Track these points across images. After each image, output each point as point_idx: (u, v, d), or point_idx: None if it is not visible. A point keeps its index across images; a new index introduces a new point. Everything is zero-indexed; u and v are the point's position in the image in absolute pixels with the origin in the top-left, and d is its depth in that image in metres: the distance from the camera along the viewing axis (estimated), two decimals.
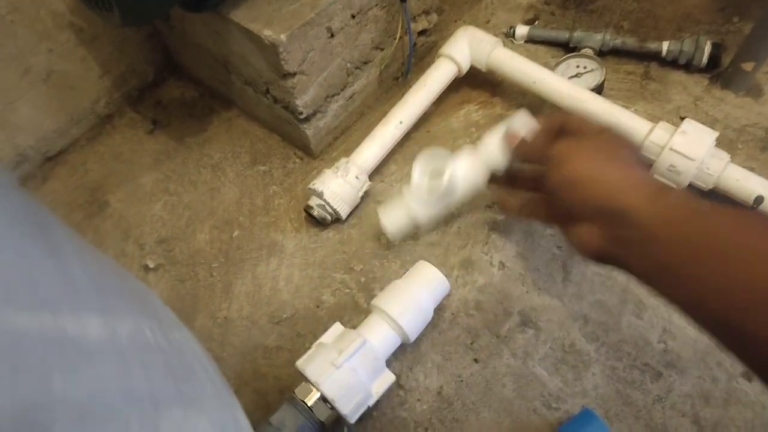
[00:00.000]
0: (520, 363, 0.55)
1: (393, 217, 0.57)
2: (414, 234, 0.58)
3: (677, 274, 0.34)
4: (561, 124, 0.47)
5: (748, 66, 0.65)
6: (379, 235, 0.64)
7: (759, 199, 0.56)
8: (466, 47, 0.68)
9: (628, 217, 0.37)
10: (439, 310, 0.58)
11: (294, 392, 0.50)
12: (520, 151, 0.50)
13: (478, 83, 0.74)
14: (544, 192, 0.47)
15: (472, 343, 0.57)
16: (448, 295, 0.59)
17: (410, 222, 0.56)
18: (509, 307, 0.58)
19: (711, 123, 0.66)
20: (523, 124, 0.51)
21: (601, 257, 0.41)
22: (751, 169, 0.58)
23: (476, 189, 0.54)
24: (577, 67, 0.71)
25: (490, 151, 0.52)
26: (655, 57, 0.72)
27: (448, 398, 0.54)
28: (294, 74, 0.60)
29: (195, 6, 0.58)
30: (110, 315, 0.26)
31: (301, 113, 0.64)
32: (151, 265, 0.65)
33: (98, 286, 0.27)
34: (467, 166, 0.53)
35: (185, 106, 0.79)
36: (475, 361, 0.56)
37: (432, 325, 0.57)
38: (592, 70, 0.70)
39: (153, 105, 0.80)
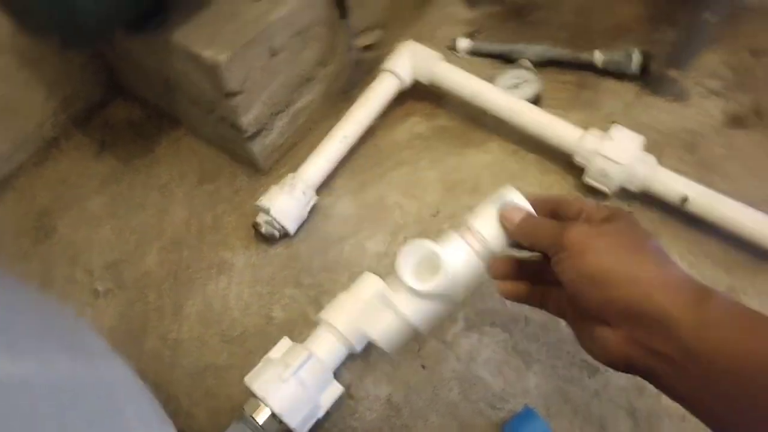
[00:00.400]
0: (465, 367, 0.56)
1: (385, 332, 0.44)
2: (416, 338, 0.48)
3: (722, 404, 0.30)
4: (555, 206, 0.43)
5: (674, 72, 0.69)
6: (328, 249, 0.65)
7: (684, 200, 0.59)
8: (409, 62, 0.70)
9: (666, 326, 0.31)
10: None
11: (243, 408, 0.50)
12: (524, 234, 0.42)
13: (421, 95, 0.76)
14: (554, 283, 0.40)
15: (419, 350, 0.58)
16: None
17: (408, 330, 0.44)
18: (454, 312, 0.59)
19: (641, 128, 0.69)
20: (514, 202, 0.44)
21: (627, 367, 0.36)
22: (679, 171, 0.62)
23: (480, 280, 0.45)
24: (516, 78, 0.73)
25: (486, 234, 0.43)
26: (589, 67, 0.75)
27: (396, 405, 0.55)
28: (236, 93, 0.60)
29: (135, 29, 0.58)
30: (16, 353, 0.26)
31: (246, 131, 0.65)
32: (101, 290, 0.65)
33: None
34: (463, 256, 0.43)
35: (133, 126, 0.79)
36: (423, 367, 0.57)
37: None
38: (529, 81, 0.73)
39: (100, 126, 0.79)
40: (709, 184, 0.60)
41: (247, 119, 0.64)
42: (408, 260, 0.44)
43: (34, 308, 0.33)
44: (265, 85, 0.64)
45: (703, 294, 0.32)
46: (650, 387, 0.53)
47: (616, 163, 0.59)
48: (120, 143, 0.77)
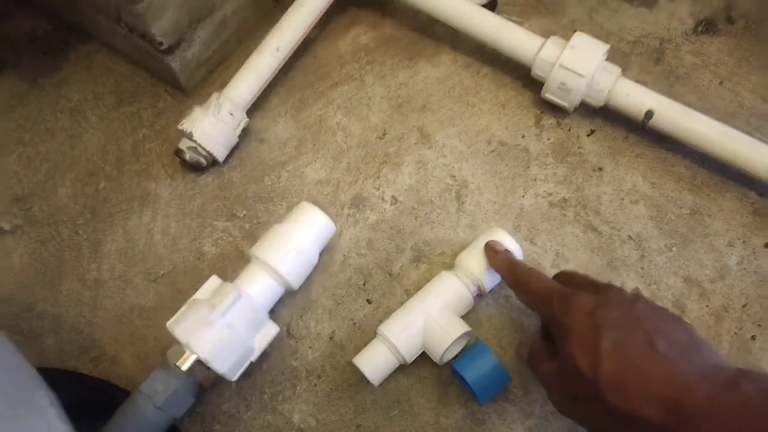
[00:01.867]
0: None
1: (377, 368, 0.47)
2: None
3: None
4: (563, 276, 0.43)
5: None
6: (263, 177, 0.59)
7: (649, 114, 0.54)
8: None
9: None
10: (328, 252, 0.54)
11: (166, 355, 0.45)
12: (517, 286, 0.44)
13: (365, 2, 0.67)
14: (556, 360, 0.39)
15: (364, 284, 0.54)
16: (338, 236, 0.55)
17: (397, 363, 0.47)
18: (402, 243, 0.55)
19: (606, 36, 0.63)
20: (502, 242, 0.48)
21: None
22: (644, 83, 0.57)
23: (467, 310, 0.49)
24: None
25: (472, 271, 0.48)
26: None
27: (340, 343, 0.51)
28: None
29: None
30: None
31: (161, 43, 0.56)
32: (7, 228, 0.58)
33: None
34: (453, 296, 0.48)
35: (37, 41, 0.69)
36: (368, 302, 0.53)
37: (321, 269, 0.54)
38: None
39: None
40: (677, 97, 0.55)
41: (160, 28, 0.55)
42: None
43: None
44: None
45: (733, 384, 0.31)
46: None
47: (577, 74, 0.53)
48: (23, 61, 0.68)
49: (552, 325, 0.40)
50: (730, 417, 0.29)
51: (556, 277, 0.45)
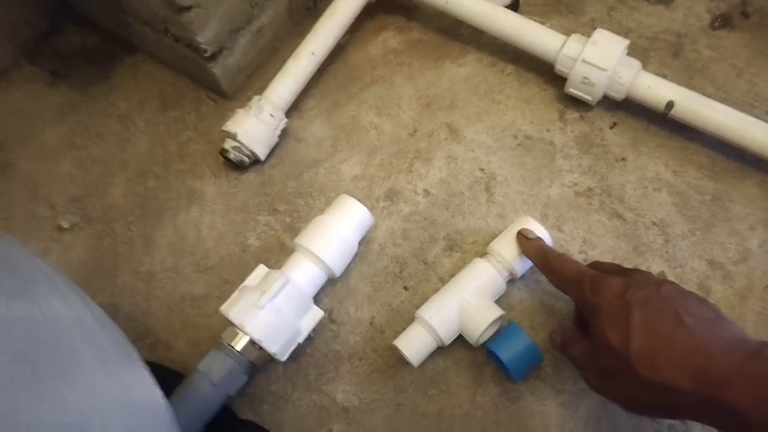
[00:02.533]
0: None
1: (417, 349, 0.50)
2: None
3: None
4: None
5: None
6: (302, 174, 0.62)
7: (670, 104, 0.56)
8: None
9: (731, 411, 0.32)
10: (366, 242, 0.57)
11: (221, 337, 0.49)
12: (548, 271, 0.47)
13: (393, 8, 0.71)
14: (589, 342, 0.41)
15: (400, 272, 0.57)
16: (375, 227, 0.58)
17: (435, 345, 0.50)
18: (435, 233, 0.58)
19: (625, 32, 0.66)
20: (533, 229, 0.51)
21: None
22: (664, 76, 0.59)
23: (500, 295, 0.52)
24: None
25: (504, 257, 0.51)
26: None
27: (380, 327, 0.55)
28: (189, 8, 0.56)
29: None
30: None
31: (206, 51, 0.60)
32: (66, 226, 0.62)
33: None
34: (487, 281, 0.51)
35: (86, 53, 0.74)
36: (405, 288, 0.56)
37: (360, 258, 0.57)
38: None
39: (51, 55, 0.74)
40: (696, 89, 0.57)
41: (205, 37, 0.59)
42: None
43: None
44: None
45: (757, 355, 0.33)
46: None
47: (599, 68, 0.56)
48: (74, 72, 0.72)
49: (583, 306, 0.42)
50: (752, 382, 0.31)
51: (588, 266, 0.47)
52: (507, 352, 0.48)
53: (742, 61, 0.63)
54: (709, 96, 0.57)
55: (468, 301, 0.49)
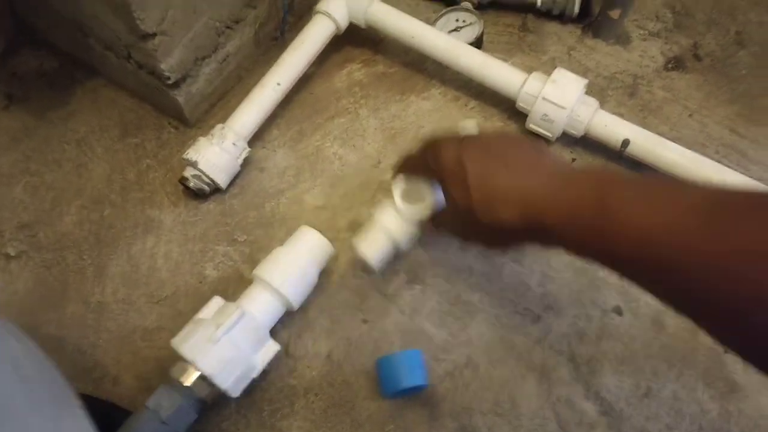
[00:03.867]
0: (407, 320, 0.55)
1: (375, 248, 0.52)
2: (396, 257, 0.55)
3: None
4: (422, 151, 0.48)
5: (614, 14, 0.67)
6: (263, 203, 0.62)
7: (626, 143, 0.58)
8: (343, 2, 0.66)
9: (551, 232, 0.38)
10: (326, 273, 0.57)
11: (170, 372, 0.47)
12: (404, 166, 0.50)
13: (359, 41, 0.72)
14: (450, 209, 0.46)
15: (360, 304, 0.56)
16: (335, 258, 0.57)
17: (393, 248, 0.53)
18: (396, 265, 0.57)
19: (583, 72, 0.68)
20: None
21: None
22: (620, 115, 0.60)
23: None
24: (456, 20, 0.70)
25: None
26: (531, 9, 0.72)
27: (337, 362, 0.53)
28: (154, 35, 0.55)
29: None
30: None
31: (169, 78, 0.60)
32: (12, 253, 0.60)
33: None
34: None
35: (44, 77, 0.72)
36: (364, 321, 0.55)
37: (319, 290, 0.56)
38: (471, 24, 0.70)
39: (7, 78, 0.72)
40: (650, 128, 0.59)
41: (168, 65, 0.59)
42: (402, 188, 0.52)
43: None
44: (187, 26, 0.58)
45: (569, 180, 0.38)
46: (590, 332, 0.53)
47: (559, 106, 0.57)
48: (31, 96, 0.71)
49: (435, 177, 0.46)
50: (562, 206, 0.37)
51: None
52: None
53: (695, 102, 0.66)
54: (663, 135, 0.59)
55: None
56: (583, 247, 0.37)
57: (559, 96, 0.57)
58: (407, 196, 0.52)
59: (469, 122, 0.57)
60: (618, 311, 0.54)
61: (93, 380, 0.54)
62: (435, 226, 0.51)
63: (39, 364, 0.37)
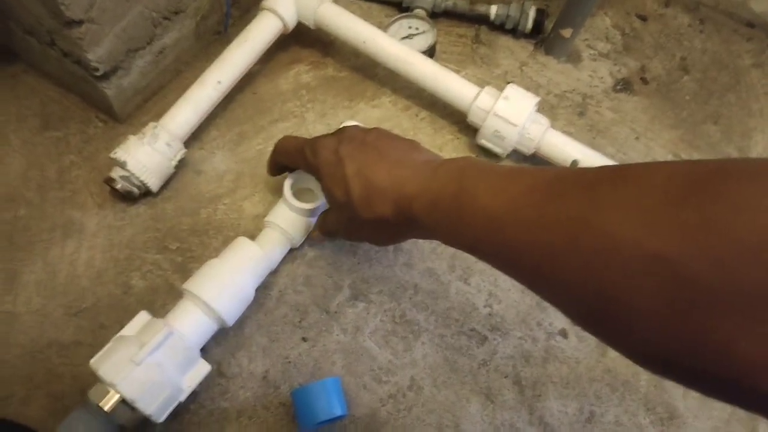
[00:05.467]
0: (350, 338, 0.52)
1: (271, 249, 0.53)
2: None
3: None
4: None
5: (566, 32, 0.67)
6: (199, 209, 0.58)
7: (575, 163, 0.57)
8: (292, 0, 0.62)
9: (421, 223, 0.38)
10: (264, 288, 0.53)
11: (87, 395, 0.43)
12: (280, 152, 0.50)
13: (308, 41, 0.69)
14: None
15: (300, 321, 0.53)
16: (275, 272, 0.54)
17: (287, 242, 0.54)
18: (340, 280, 0.55)
19: (535, 88, 0.67)
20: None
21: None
22: (569, 134, 0.60)
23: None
24: (410, 28, 0.68)
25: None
26: (485, 21, 0.71)
27: (274, 382, 0.50)
28: (80, 22, 0.50)
29: None
30: None
31: (97, 69, 0.55)
32: None
33: None
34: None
35: None
36: (304, 339, 0.52)
37: (257, 305, 0.53)
38: (424, 32, 0.68)
39: None
40: (598, 148, 0.59)
41: (96, 55, 0.54)
42: (293, 183, 0.53)
43: None
44: (119, 15, 0.53)
45: (434, 172, 0.38)
46: (536, 355, 0.53)
47: (511, 123, 0.56)
48: None
49: (312, 172, 0.46)
50: (428, 195, 0.37)
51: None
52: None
53: (641, 125, 0.66)
54: (610, 156, 0.59)
55: None
56: (447, 234, 0.37)
57: (511, 113, 0.57)
58: (298, 191, 0.53)
59: (351, 123, 0.56)
60: (563, 333, 0.54)
61: None
62: (320, 228, 0.51)
63: None
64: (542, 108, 0.63)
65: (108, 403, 0.42)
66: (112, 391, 0.42)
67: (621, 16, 0.76)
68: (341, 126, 0.57)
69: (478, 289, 0.55)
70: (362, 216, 0.41)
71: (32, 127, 0.61)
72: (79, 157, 0.59)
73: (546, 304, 0.55)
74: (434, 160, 0.41)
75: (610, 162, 0.57)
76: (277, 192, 0.59)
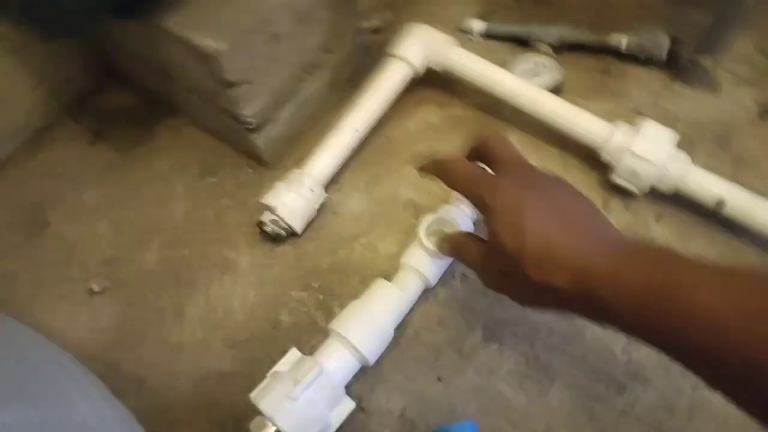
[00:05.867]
0: (484, 380, 0.53)
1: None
2: None
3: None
4: (480, 146, 0.47)
5: (706, 61, 0.64)
6: (337, 249, 0.61)
7: (721, 203, 0.55)
8: (420, 47, 0.65)
9: (605, 309, 0.36)
10: (400, 327, 0.56)
11: (249, 428, 0.47)
12: (444, 174, 0.47)
13: (433, 82, 0.71)
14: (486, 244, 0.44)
15: (435, 361, 0.55)
16: (410, 311, 0.57)
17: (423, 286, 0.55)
18: (472, 321, 0.56)
19: (671, 120, 0.65)
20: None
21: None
22: (711, 168, 0.58)
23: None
24: (535, 64, 0.69)
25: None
26: (614, 52, 0.70)
27: (411, 420, 0.52)
28: (238, 84, 0.56)
29: (123, 14, 0.53)
30: None
31: (250, 123, 0.61)
32: (97, 289, 0.62)
33: None
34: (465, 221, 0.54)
35: (129, 114, 0.75)
36: (439, 379, 0.54)
37: (394, 344, 0.55)
38: (549, 68, 0.68)
39: (94, 114, 0.75)
40: (743, 183, 0.56)
41: (250, 111, 0.60)
42: (429, 225, 0.54)
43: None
44: (268, 75, 0.59)
45: (632, 255, 0.36)
46: (681, 407, 0.51)
47: (649, 162, 0.55)
48: (116, 132, 0.73)
49: (480, 208, 0.43)
50: (625, 285, 0.34)
51: (476, 149, 0.48)
52: None
53: None
54: (758, 191, 0.55)
55: None
56: (642, 331, 0.34)
57: (649, 151, 0.55)
58: (432, 233, 0.53)
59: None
60: None
61: (168, 422, 0.55)
62: (457, 253, 0.48)
63: (127, 423, 0.38)
64: (680, 142, 0.61)
65: None
66: (270, 424, 0.46)
67: (763, 36, 0.71)
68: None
69: (616, 335, 0.54)
70: (530, 276, 0.38)
71: (193, 173, 0.68)
72: (233, 201, 0.66)
73: None
74: (624, 240, 0.39)
75: (760, 200, 0.54)
76: (410, 233, 0.61)
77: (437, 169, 0.48)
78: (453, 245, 0.49)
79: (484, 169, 0.47)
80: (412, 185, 0.65)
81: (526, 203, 0.40)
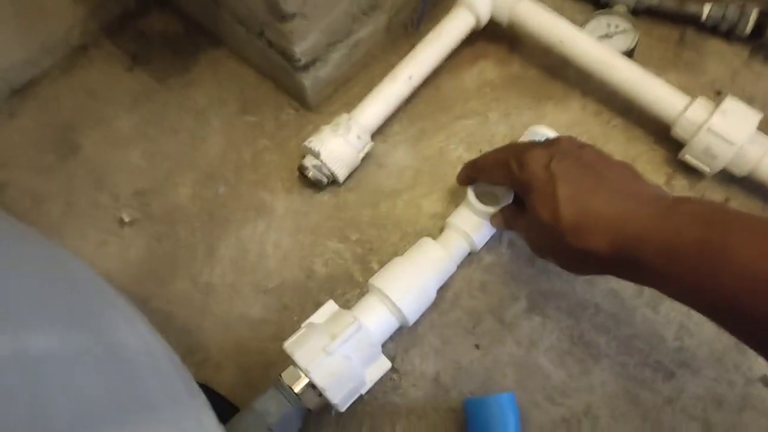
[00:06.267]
0: (523, 352, 0.51)
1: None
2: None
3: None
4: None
5: None
6: (378, 203, 0.59)
7: None
8: None
9: (644, 267, 0.35)
10: (440, 289, 0.53)
11: (281, 376, 0.45)
12: (479, 171, 0.49)
13: (495, 37, 0.66)
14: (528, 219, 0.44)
15: (474, 328, 0.53)
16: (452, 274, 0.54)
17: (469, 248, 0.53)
18: (516, 290, 0.53)
19: (748, 100, 0.60)
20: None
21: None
22: None
23: None
24: (608, 26, 0.64)
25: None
26: (693, 21, 0.65)
27: (444, 386, 0.51)
28: (294, 16, 0.52)
29: None
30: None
31: (299, 60, 0.57)
32: (127, 219, 0.60)
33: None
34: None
35: (169, 41, 0.71)
36: (476, 347, 0.52)
37: (432, 305, 0.53)
38: (624, 31, 0.63)
39: (134, 37, 0.71)
40: None
41: (302, 48, 0.56)
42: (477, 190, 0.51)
43: (34, 269, 0.28)
44: (327, 10, 0.55)
45: (669, 211, 0.35)
46: (730, 400, 0.48)
47: (728, 141, 0.51)
48: (154, 58, 0.70)
49: (516, 187, 0.45)
50: (664, 240, 0.34)
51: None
52: None
53: None
54: None
55: None
56: (684, 288, 0.34)
57: (729, 129, 0.51)
58: (481, 194, 0.51)
59: (541, 128, 0.55)
60: (765, 381, 0.48)
61: (195, 362, 0.53)
62: (507, 226, 0.49)
63: (169, 355, 0.36)
64: (760, 124, 0.56)
65: (298, 387, 0.44)
66: (303, 376, 0.44)
67: None
68: (529, 129, 0.55)
69: (668, 319, 0.51)
70: (569, 243, 0.39)
71: (231, 110, 0.65)
72: (272, 142, 0.63)
73: (746, 347, 0.50)
74: (663, 197, 0.38)
75: None
76: (455, 192, 0.58)
77: (469, 168, 0.51)
78: (502, 219, 0.49)
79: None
80: (463, 142, 0.61)
81: (556, 171, 0.40)
